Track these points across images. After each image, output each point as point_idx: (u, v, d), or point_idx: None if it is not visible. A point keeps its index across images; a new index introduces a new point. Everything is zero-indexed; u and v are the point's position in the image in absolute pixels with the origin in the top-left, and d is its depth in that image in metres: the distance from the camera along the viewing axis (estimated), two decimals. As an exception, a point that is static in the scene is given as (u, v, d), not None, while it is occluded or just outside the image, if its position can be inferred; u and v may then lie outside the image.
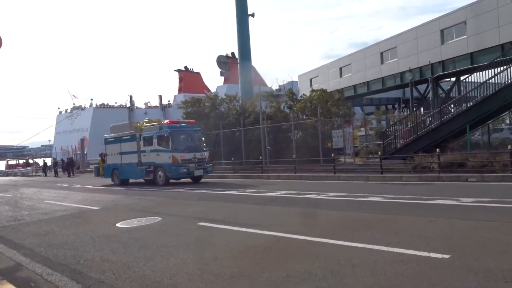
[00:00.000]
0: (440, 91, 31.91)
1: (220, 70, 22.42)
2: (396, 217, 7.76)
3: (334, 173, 16.43)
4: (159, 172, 18.83)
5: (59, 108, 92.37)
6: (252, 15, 34.13)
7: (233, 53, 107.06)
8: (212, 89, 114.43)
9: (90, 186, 21.41)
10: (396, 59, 34.51)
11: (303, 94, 24.26)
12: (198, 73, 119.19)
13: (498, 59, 17.44)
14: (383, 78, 36.63)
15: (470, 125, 16.85)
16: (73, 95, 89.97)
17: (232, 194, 13.48)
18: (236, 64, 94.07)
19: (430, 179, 14.15)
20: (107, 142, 22.23)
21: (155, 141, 18.82)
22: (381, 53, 36.54)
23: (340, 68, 42.82)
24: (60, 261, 6.00)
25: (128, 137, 20.56)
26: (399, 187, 12.88)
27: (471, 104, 16.14)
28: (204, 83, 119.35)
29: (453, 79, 33.12)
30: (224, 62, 22.23)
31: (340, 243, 5.77)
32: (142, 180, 20.88)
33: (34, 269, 5.66)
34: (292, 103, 23.91)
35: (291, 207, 9.88)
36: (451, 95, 32.38)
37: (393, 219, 7.55)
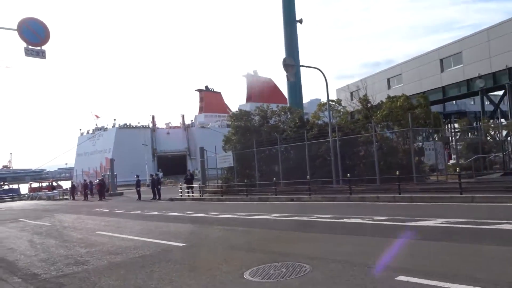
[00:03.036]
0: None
1: (286, 73, 19.22)
2: None
3: (461, 193, 12.77)
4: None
5: (80, 129, 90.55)
6: (300, 21, 31.40)
7: (255, 72, 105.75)
8: (233, 108, 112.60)
9: (138, 212, 18.11)
10: (461, 65, 31.05)
11: (381, 101, 20.93)
12: (219, 93, 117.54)
13: None
14: (443, 87, 33.25)
15: None
16: (96, 115, 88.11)
17: (361, 223, 9.97)
18: (258, 82, 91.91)
19: None
20: None
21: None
22: (441, 60, 33.17)
23: (388, 79, 39.60)
24: None
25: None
26: None
27: None
28: (225, 103, 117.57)
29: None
30: (291, 65, 19.07)
31: None
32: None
33: None
34: (367, 111, 20.50)
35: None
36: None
37: None
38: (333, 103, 23.02)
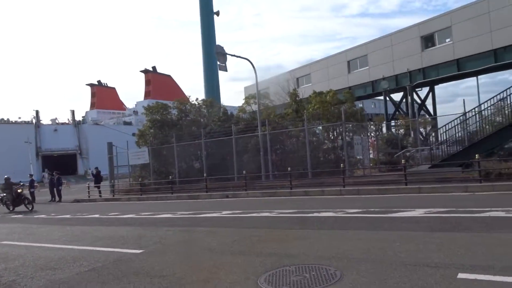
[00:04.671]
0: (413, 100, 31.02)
1: (218, 63, 17.84)
2: None
3: (406, 185, 12.98)
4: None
5: None
6: (217, 13, 30.23)
7: (154, 68, 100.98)
8: (129, 105, 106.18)
9: (44, 216, 15.11)
10: (367, 67, 33.07)
11: (309, 96, 20.84)
12: (113, 88, 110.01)
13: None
14: (350, 87, 35.08)
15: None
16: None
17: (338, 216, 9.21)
18: (157, 79, 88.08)
19: (510, 189, 11.07)
20: None
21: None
22: (348, 62, 34.97)
23: (297, 78, 40.60)
24: None
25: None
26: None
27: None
28: (120, 99, 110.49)
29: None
30: (223, 54, 17.77)
31: None
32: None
33: None
34: (297, 106, 20.23)
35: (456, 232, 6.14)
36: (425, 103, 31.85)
37: None
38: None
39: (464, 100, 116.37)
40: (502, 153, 15.55)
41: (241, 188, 17.04)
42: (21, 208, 18.96)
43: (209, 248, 6.72)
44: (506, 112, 14.81)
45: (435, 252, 5.17)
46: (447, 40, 27.56)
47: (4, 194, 19.50)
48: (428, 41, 28.84)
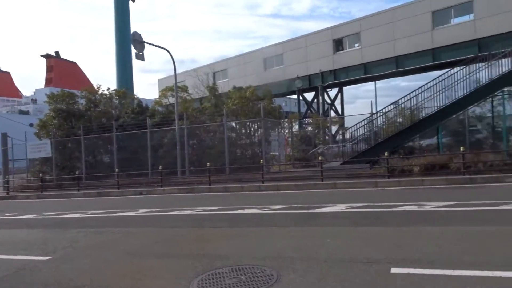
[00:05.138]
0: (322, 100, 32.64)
1: (135, 51, 16.67)
2: None
3: (322, 180, 13.47)
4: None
5: None
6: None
7: (57, 53, 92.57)
8: (26, 93, 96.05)
9: None
10: (283, 66, 33.93)
11: (229, 91, 20.59)
12: (7, 73, 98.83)
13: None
14: (265, 85, 35.64)
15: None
16: None
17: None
18: (61, 65, 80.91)
19: (413, 184, 12.21)
20: None
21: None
22: (265, 59, 35.52)
23: (214, 73, 40.21)
24: None
25: None
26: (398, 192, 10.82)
27: (446, 104, 15.63)
28: (15, 86, 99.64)
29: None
30: (140, 42, 16.67)
31: None
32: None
33: None
34: (216, 100, 19.88)
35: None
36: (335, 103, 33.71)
37: None
38: (179, 89, 21.53)
39: (371, 101, 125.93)
40: (402, 151, 16.95)
41: (156, 184, 16.27)
42: None
43: (129, 251, 6.15)
44: (406, 114, 16.20)
45: (365, 247, 5.29)
46: (356, 45, 29.39)
47: None
48: (339, 44, 30.47)
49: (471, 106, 16.05)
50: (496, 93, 16.06)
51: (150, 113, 20.78)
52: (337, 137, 25.21)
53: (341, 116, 31.46)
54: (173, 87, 21.11)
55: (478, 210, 7.18)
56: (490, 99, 16.55)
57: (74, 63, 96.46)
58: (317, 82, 31.65)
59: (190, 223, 8.27)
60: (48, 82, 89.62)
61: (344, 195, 10.95)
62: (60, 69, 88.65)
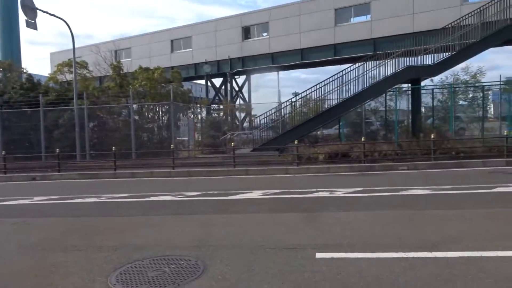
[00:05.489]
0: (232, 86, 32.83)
1: (26, 19, 14.57)
2: None
3: (234, 167, 13.47)
4: None
5: None
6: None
7: None
8: None
9: None
10: (191, 49, 33.15)
11: (135, 71, 19.27)
12: None
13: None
14: (172, 67, 34.53)
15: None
16: None
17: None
18: None
19: (320, 171, 13.02)
20: None
21: None
22: (172, 41, 34.32)
23: (116, 51, 37.65)
24: None
25: None
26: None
27: (349, 96, 16.65)
28: None
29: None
30: (32, 8, 14.65)
31: None
32: None
33: None
34: (121, 80, 18.54)
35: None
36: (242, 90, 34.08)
37: None
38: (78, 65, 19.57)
39: (279, 90, 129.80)
40: (307, 140, 17.84)
41: (52, 169, 14.73)
42: None
43: (30, 245, 5.43)
44: (311, 106, 17.05)
45: (287, 233, 5.39)
46: (264, 34, 29.95)
47: None
48: (247, 32, 30.73)
49: (368, 100, 17.43)
50: (389, 89, 17.68)
51: (44, 90, 18.64)
52: (244, 124, 25.54)
53: (250, 104, 31.97)
54: (70, 62, 19.21)
55: (382, 196, 7.82)
56: (384, 94, 18.20)
57: None
58: (226, 68, 31.61)
59: (97, 211, 7.63)
60: None
61: (258, 181, 11.12)
62: None
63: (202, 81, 33.91)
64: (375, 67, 17.77)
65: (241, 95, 33.52)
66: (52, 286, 3.94)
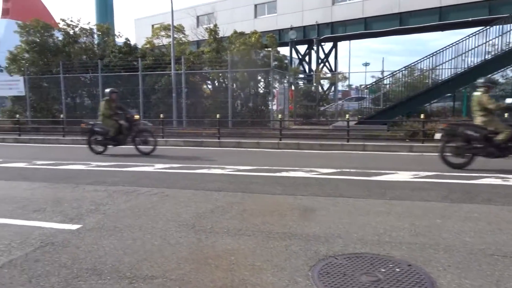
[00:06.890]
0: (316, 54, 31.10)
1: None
2: None
3: (348, 141, 12.32)
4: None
5: None
6: None
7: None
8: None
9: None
10: (275, 14, 31.73)
11: (231, 35, 18.61)
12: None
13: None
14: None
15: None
16: None
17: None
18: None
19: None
20: None
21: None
22: (256, 5, 33.09)
23: (198, 17, 37.29)
24: None
25: None
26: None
27: (472, 66, 14.58)
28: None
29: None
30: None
31: None
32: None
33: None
34: (217, 45, 17.92)
35: None
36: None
37: None
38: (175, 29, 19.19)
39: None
40: (421, 115, 16.09)
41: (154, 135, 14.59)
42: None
43: (186, 224, 4.79)
44: (433, 76, 15.15)
45: (500, 233, 4.22)
46: (357, -4, 27.66)
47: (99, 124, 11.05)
48: (338, -6, 28.62)
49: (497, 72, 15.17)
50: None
51: (141, 54, 18.57)
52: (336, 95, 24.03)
53: (347, 72, 30.21)
54: (167, 26, 18.86)
55: None
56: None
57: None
58: (312, 35, 29.89)
59: (232, 185, 6.92)
60: (5, 13, 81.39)
61: (390, 159, 9.92)
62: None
63: (283, 49, 32.41)
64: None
65: (327, 63, 31.74)
66: (245, 284, 3.19)
